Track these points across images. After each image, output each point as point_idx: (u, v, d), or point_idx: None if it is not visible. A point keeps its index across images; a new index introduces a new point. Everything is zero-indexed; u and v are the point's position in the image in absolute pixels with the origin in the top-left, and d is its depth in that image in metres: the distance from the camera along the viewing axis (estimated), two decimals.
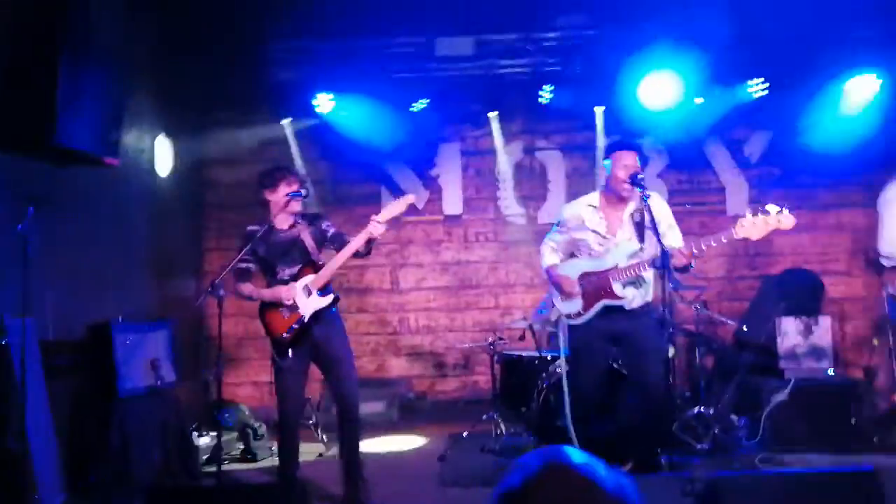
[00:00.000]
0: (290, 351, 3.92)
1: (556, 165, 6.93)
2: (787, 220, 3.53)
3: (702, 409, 4.93)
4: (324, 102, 6.33)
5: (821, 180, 6.67)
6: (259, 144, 6.65)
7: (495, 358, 5.41)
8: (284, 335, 3.93)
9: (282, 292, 3.94)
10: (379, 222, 3.86)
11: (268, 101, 6.56)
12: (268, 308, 4.00)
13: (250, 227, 4.05)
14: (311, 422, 5.43)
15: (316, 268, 3.99)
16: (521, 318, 5.81)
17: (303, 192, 4.04)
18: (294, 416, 4.05)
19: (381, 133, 6.60)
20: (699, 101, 6.30)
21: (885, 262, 4.01)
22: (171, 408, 4.53)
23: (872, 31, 5.65)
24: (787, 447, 4.74)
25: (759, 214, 3.55)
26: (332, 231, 4.13)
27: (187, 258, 6.50)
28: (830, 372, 5.04)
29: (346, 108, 6.42)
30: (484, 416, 5.32)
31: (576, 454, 1.15)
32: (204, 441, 4.92)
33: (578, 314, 4.02)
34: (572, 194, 6.60)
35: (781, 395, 4.81)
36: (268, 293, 4.00)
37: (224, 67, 6.09)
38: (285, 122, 6.61)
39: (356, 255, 3.99)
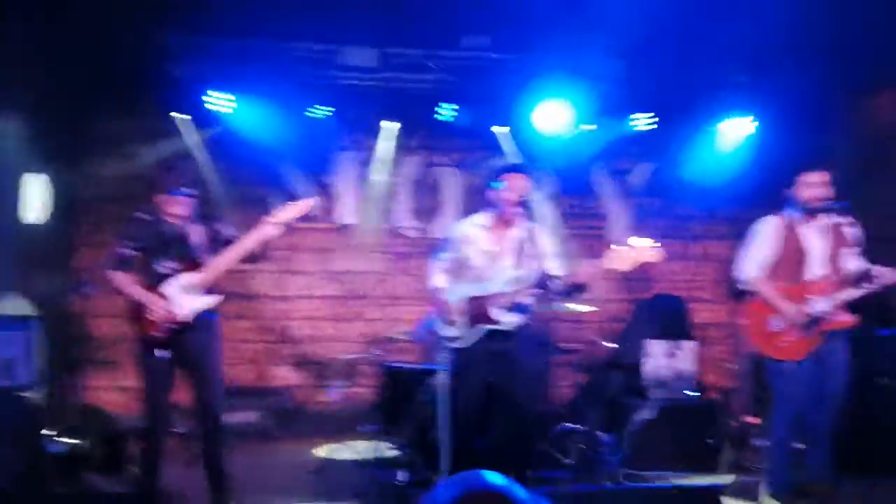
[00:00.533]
0: (158, 350, 3.77)
1: (451, 182, 7.04)
2: (654, 255, 3.71)
3: (571, 426, 5.13)
4: (220, 101, 6.15)
5: (694, 213, 7.14)
6: (145, 137, 6.40)
7: (378, 369, 5.41)
8: (157, 333, 3.78)
9: (156, 303, 3.78)
10: (274, 223, 3.79)
11: (157, 95, 6.30)
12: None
13: (139, 214, 3.89)
14: (179, 430, 5.24)
15: (200, 266, 3.86)
16: (406, 330, 5.85)
17: (189, 190, 3.90)
18: (160, 423, 3.89)
19: (278, 136, 6.49)
20: (587, 127, 6.58)
21: (739, 287, 4.32)
22: (26, 412, 4.25)
23: (746, 77, 6.11)
24: (650, 464, 4.98)
25: (630, 247, 3.71)
26: (226, 233, 4.01)
27: (57, 253, 6.13)
28: (690, 393, 5.36)
29: (244, 109, 6.26)
30: (363, 428, 5.31)
31: (495, 478, 1.20)
32: (63, 448, 4.63)
33: (461, 338, 4.07)
34: (466, 211, 6.74)
35: (646, 415, 5.07)
36: (140, 294, 3.82)
37: (111, 56, 5.83)
38: (176, 115, 6.36)
39: (249, 259, 3.90)
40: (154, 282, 3.85)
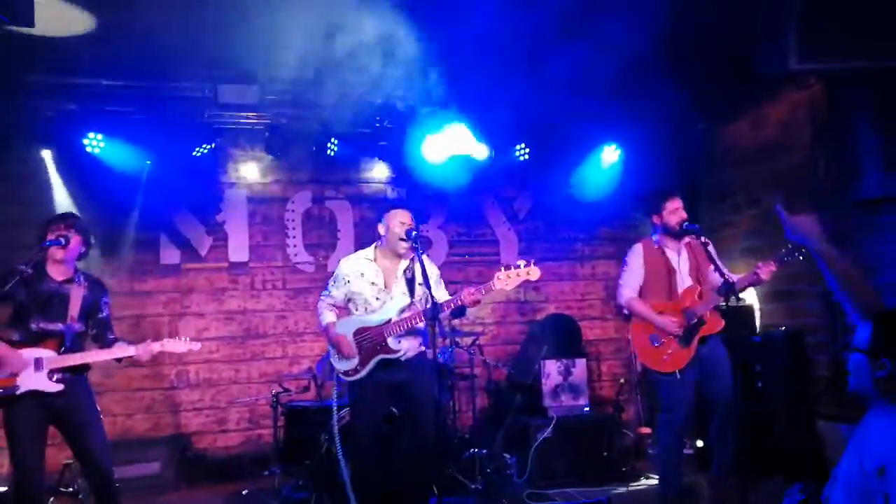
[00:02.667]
0: None
1: (344, 215, 7.07)
2: (533, 272, 3.93)
3: (476, 450, 5.24)
4: (94, 142, 5.93)
5: (579, 235, 7.50)
6: (16, 183, 6.09)
7: (279, 410, 5.34)
8: None
9: (9, 359, 3.60)
10: (152, 351, 3.91)
11: (30, 138, 6.03)
12: None
13: (19, 265, 3.70)
14: (70, 489, 4.97)
15: (61, 345, 3.72)
16: (307, 367, 5.81)
17: (62, 241, 3.75)
18: (33, 489, 3.66)
19: (161, 177, 6.35)
20: (484, 154, 6.80)
21: (621, 311, 4.67)
22: None
23: (612, 109, 6.52)
24: (552, 481, 5.18)
25: (512, 268, 3.92)
26: (104, 314, 3.96)
27: None
28: (587, 409, 5.60)
29: (122, 150, 6.07)
30: (266, 472, 5.22)
31: None
32: None
33: (356, 370, 4.11)
34: (360, 244, 6.78)
35: (545, 432, 5.26)
36: None
37: None
38: (45, 154, 6.08)
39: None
40: (28, 340, 3.70)
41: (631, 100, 6.30)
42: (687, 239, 4.58)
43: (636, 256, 4.60)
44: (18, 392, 3.59)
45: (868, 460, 1.95)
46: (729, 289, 4.18)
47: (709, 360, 4.40)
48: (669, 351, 4.35)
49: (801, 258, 4.21)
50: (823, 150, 5.62)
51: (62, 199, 6.12)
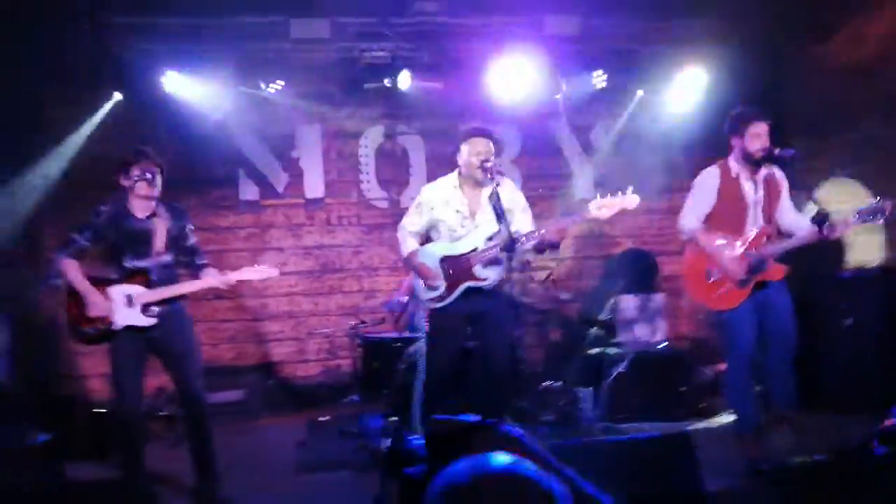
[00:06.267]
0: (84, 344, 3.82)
1: (417, 150, 7.02)
2: (631, 199, 3.74)
3: (549, 383, 5.24)
4: (171, 80, 6.01)
5: (657, 166, 7.20)
6: (103, 122, 6.27)
7: (357, 342, 5.47)
8: (88, 329, 3.78)
9: (94, 298, 3.75)
10: (231, 281, 3.94)
11: (110, 77, 6.13)
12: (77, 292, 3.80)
13: (102, 207, 3.83)
14: (162, 413, 5.29)
15: (149, 281, 3.83)
16: (383, 301, 5.91)
17: (148, 175, 3.81)
18: (134, 411, 3.86)
19: (236, 114, 6.42)
20: (558, 96, 6.58)
21: (683, 238, 4.30)
22: (7, 405, 4.24)
23: (695, 30, 6.14)
24: (626, 415, 5.12)
25: (609, 195, 3.74)
26: (190, 241, 4.01)
27: (24, 242, 6.03)
28: (663, 344, 5.48)
29: (197, 87, 6.14)
30: (345, 400, 5.38)
31: (501, 459, 1.23)
32: (43, 439, 4.62)
33: (441, 298, 4.08)
34: (433, 178, 6.73)
35: (620, 367, 5.19)
36: (81, 287, 3.78)
37: (59, 38, 5.69)
38: (118, 96, 6.16)
39: None
40: (122, 277, 3.83)
41: (716, 18, 5.91)
42: (766, 171, 4.10)
43: (711, 181, 4.11)
44: (115, 328, 3.76)
45: None
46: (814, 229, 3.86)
47: (770, 306, 4.06)
48: (724, 289, 4.03)
49: (882, 220, 3.79)
50: None
51: (140, 138, 6.25)
